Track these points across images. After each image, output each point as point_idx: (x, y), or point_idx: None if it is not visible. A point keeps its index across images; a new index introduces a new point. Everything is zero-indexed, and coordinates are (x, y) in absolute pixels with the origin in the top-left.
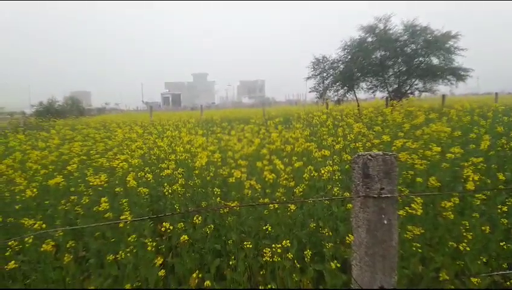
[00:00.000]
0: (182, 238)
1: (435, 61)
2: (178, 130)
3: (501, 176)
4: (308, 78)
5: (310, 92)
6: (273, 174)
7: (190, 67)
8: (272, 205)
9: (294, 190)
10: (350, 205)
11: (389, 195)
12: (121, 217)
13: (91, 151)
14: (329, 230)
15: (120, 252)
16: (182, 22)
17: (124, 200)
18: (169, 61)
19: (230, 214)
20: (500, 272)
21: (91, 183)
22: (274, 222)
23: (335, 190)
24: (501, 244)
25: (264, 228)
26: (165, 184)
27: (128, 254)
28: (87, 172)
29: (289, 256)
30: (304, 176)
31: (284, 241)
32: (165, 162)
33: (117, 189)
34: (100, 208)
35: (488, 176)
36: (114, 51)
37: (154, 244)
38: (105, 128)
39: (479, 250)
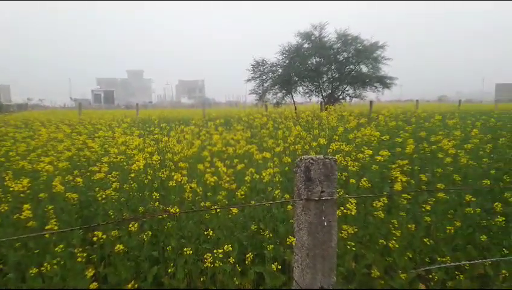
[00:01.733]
0: (116, 248)
1: (364, 69)
2: (112, 130)
3: (423, 177)
4: (248, 80)
5: (249, 94)
6: (214, 177)
7: (125, 65)
8: (212, 209)
9: (236, 193)
10: (290, 207)
11: (329, 197)
12: (47, 227)
13: (10, 153)
14: (270, 232)
15: (45, 264)
16: (116, 21)
17: (49, 207)
18: (102, 58)
19: (169, 219)
20: (426, 268)
21: (11, 189)
22: (215, 225)
23: (276, 192)
24: (424, 240)
25: (206, 233)
26: (97, 189)
27: (55, 266)
28: (6, 176)
29: (231, 261)
30: (245, 178)
31: (226, 245)
32: (97, 164)
33: (41, 195)
34: (22, 216)
35: (412, 177)
36: (40, 42)
37: (84, 255)
38: (28, 126)
39: (405, 246)
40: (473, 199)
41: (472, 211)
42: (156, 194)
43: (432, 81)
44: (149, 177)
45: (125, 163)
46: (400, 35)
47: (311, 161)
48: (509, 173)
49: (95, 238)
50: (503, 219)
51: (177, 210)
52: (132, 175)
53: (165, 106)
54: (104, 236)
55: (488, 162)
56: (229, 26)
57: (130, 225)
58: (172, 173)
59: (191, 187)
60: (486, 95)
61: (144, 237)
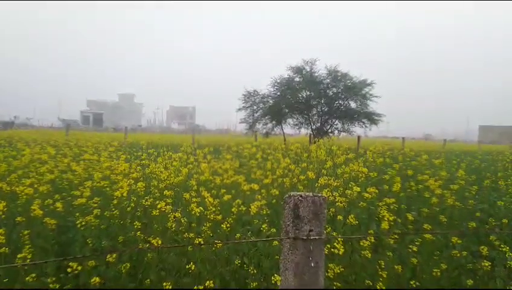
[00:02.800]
0: (92, 281)
1: (352, 105)
2: (98, 153)
3: (410, 216)
4: (239, 109)
5: (240, 122)
6: (200, 207)
7: (116, 87)
8: (196, 241)
9: (222, 225)
10: (276, 242)
11: (317, 237)
12: (19, 256)
13: None
14: (254, 267)
15: None
16: (109, 40)
17: (25, 232)
18: (93, 80)
19: (150, 250)
20: None
21: None
22: (197, 258)
23: (263, 226)
24: (411, 282)
25: (188, 266)
26: (77, 214)
27: None
28: None
29: None
30: (232, 209)
31: (208, 281)
32: (79, 189)
33: (18, 218)
34: None
35: (398, 215)
36: (27, 58)
37: (57, 286)
38: (11, 146)
39: (391, 287)
40: (459, 241)
41: (458, 254)
42: (137, 223)
43: (418, 118)
44: (132, 204)
45: (108, 189)
46: (386, 73)
47: (300, 198)
48: (494, 216)
49: (69, 270)
50: (489, 263)
51: (159, 242)
52: (115, 202)
53: (154, 131)
54: (79, 267)
55: (474, 203)
56: (223, 54)
57: (108, 257)
58: (157, 202)
59: (175, 217)
60: (470, 134)
61: (122, 268)
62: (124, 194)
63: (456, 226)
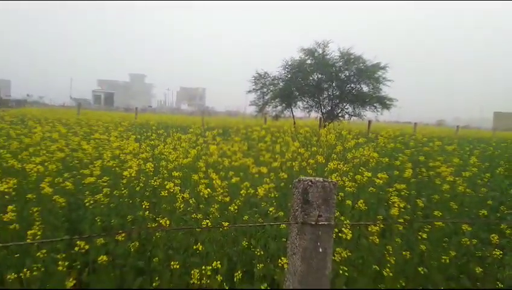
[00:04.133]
0: (100, 258)
1: (364, 88)
2: (108, 133)
3: (420, 203)
4: (249, 91)
5: (249, 105)
6: (208, 189)
7: (127, 67)
8: (204, 222)
9: (229, 207)
10: (283, 225)
11: (326, 223)
12: (30, 232)
13: (1, 150)
14: (261, 249)
15: (24, 269)
16: (121, 22)
17: (35, 209)
18: (104, 58)
19: (159, 230)
20: None
21: None
22: (205, 238)
23: (270, 209)
24: (419, 269)
25: (195, 247)
26: (87, 193)
27: (35, 272)
28: None
29: (218, 279)
30: (241, 192)
31: (214, 262)
32: (89, 167)
33: (29, 195)
34: (5, 218)
35: (408, 201)
36: (42, 37)
37: (66, 263)
38: (24, 123)
39: (398, 273)
40: (468, 228)
41: (468, 242)
42: (146, 203)
43: (431, 104)
44: (141, 184)
45: (117, 168)
46: (401, 56)
47: (309, 183)
48: (506, 204)
49: (76, 248)
50: (500, 252)
51: (167, 222)
52: (124, 181)
53: (164, 112)
54: (87, 246)
55: (485, 191)
56: (236, 36)
57: (117, 236)
58: (165, 182)
59: (183, 197)
60: (484, 122)
61: (131, 246)
62: (133, 174)
63: (466, 213)
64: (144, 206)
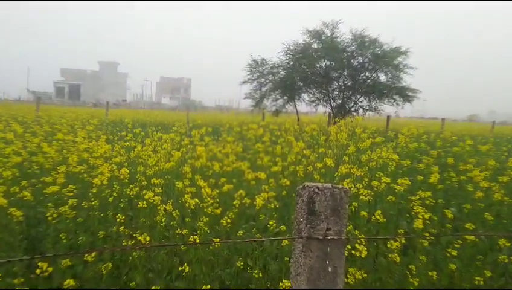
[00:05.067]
0: (66, 283)
1: (382, 78)
2: (73, 133)
3: (449, 213)
4: (244, 82)
5: (244, 98)
6: (195, 199)
7: (97, 55)
8: (191, 238)
9: (221, 220)
10: (286, 241)
11: (336, 237)
12: None
13: None
14: (260, 270)
15: None
16: (91, 4)
17: None
18: (69, 46)
19: (136, 249)
20: None
21: None
22: (192, 258)
23: (270, 222)
24: None
25: (180, 268)
26: (49, 204)
27: None
28: None
29: None
30: (234, 202)
31: (204, 286)
32: (52, 174)
33: None
34: None
35: (434, 212)
36: None
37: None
38: None
39: None
40: (506, 243)
41: (506, 259)
42: (120, 216)
43: (461, 97)
44: (114, 194)
45: (86, 175)
46: (425, 41)
47: (316, 190)
48: None
49: (38, 271)
50: None
51: (147, 238)
52: (94, 190)
53: (141, 107)
54: (50, 268)
55: None
56: (224, 20)
57: (86, 255)
58: (144, 191)
59: (165, 209)
60: None
61: (103, 268)
62: (105, 182)
63: (504, 226)
64: (118, 220)
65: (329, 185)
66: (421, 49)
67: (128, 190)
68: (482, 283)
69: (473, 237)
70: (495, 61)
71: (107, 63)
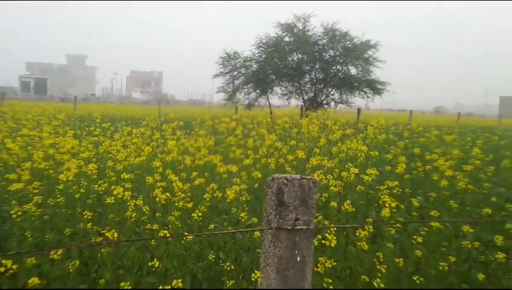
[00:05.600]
0: (31, 282)
1: (352, 71)
2: (39, 128)
3: (415, 202)
4: (216, 75)
5: (217, 92)
6: (166, 194)
7: (65, 48)
8: (161, 233)
9: (192, 214)
10: (258, 233)
11: (304, 227)
12: None
13: None
14: (231, 263)
15: None
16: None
17: None
18: (35, 38)
19: (105, 245)
20: None
21: None
22: (163, 253)
23: (241, 215)
24: (413, 278)
25: (150, 264)
26: (13, 202)
27: None
28: None
29: None
30: (205, 196)
31: (175, 280)
32: (16, 171)
33: None
34: None
35: (402, 201)
36: None
37: None
38: None
39: (391, 284)
40: (470, 230)
41: (469, 245)
42: (87, 213)
43: (428, 90)
44: (82, 190)
45: (52, 171)
46: (392, 36)
47: (284, 181)
48: None
49: (1, 269)
50: (504, 255)
51: (115, 234)
52: (60, 187)
53: (111, 101)
54: (15, 266)
55: (489, 187)
56: (197, 13)
57: (52, 253)
58: (112, 187)
59: (135, 205)
60: (489, 109)
61: (70, 266)
62: (71, 178)
63: (468, 213)
64: (85, 217)
65: (298, 176)
66: (391, 43)
67: (97, 185)
68: (446, 268)
69: (438, 223)
70: (461, 56)
71: (74, 56)
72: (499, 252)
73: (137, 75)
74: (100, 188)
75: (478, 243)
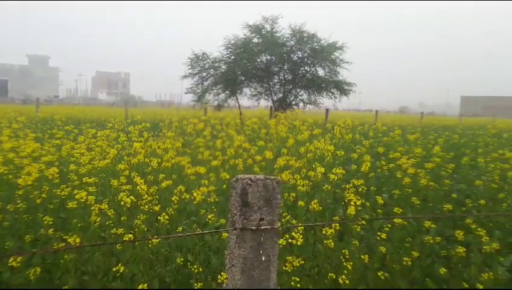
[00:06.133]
0: None
1: (320, 72)
2: None
3: (380, 200)
4: (185, 76)
5: (186, 93)
6: (131, 197)
7: (26, 48)
8: (126, 237)
9: (159, 217)
10: (226, 234)
11: (269, 227)
12: None
13: None
14: (200, 265)
15: None
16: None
17: None
18: None
19: (68, 251)
20: None
21: None
22: (129, 258)
23: (209, 216)
24: (378, 274)
25: (115, 269)
26: None
27: None
28: None
29: None
30: (172, 198)
31: (141, 284)
32: None
33: None
34: None
35: (367, 198)
36: None
37: None
38: None
39: (357, 280)
40: (432, 225)
41: (431, 240)
42: (48, 218)
43: (393, 90)
44: (43, 195)
45: (11, 176)
46: (359, 38)
47: (248, 182)
48: (472, 197)
49: None
50: (464, 249)
51: (77, 240)
52: (20, 192)
53: (76, 103)
54: None
55: (450, 183)
56: (165, 14)
57: (11, 260)
58: (75, 191)
59: (100, 209)
60: (451, 108)
61: (31, 274)
62: (29, 182)
63: (430, 209)
64: (46, 222)
65: (262, 177)
66: (356, 44)
67: (59, 190)
68: (409, 263)
69: (400, 220)
70: (425, 58)
71: (36, 56)
72: (460, 247)
73: (104, 76)
74: (63, 192)
75: (440, 238)
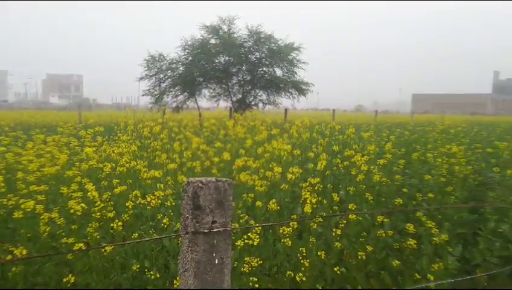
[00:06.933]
0: None
1: (278, 72)
2: None
3: (335, 197)
4: (141, 78)
5: (143, 95)
6: (82, 204)
7: None
8: (77, 246)
9: (112, 224)
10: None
11: (221, 229)
12: None
13: None
14: (158, 271)
15: None
16: None
17: None
18: None
19: (17, 263)
20: None
21: None
22: (83, 267)
23: (164, 220)
24: (335, 269)
25: (65, 279)
26: None
27: None
28: None
29: None
30: (127, 203)
31: None
32: None
33: None
34: None
35: (324, 196)
36: None
37: None
38: None
39: (315, 277)
40: (385, 219)
41: (384, 234)
42: None
43: (350, 89)
44: None
45: None
46: (315, 39)
47: (200, 185)
48: (422, 191)
49: None
50: (415, 241)
51: (23, 251)
52: None
53: (26, 107)
54: None
55: (402, 178)
56: (123, 9)
57: None
58: (21, 201)
59: (50, 218)
60: (403, 105)
61: None
62: None
63: (383, 204)
64: None
65: (213, 179)
66: (313, 44)
67: (6, 200)
68: (364, 257)
69: (354, 216)
70: (379, 58)
71: None
72: (411, 239)
73: (55, 79)
74: (9, 202)
75: (393, 232)
